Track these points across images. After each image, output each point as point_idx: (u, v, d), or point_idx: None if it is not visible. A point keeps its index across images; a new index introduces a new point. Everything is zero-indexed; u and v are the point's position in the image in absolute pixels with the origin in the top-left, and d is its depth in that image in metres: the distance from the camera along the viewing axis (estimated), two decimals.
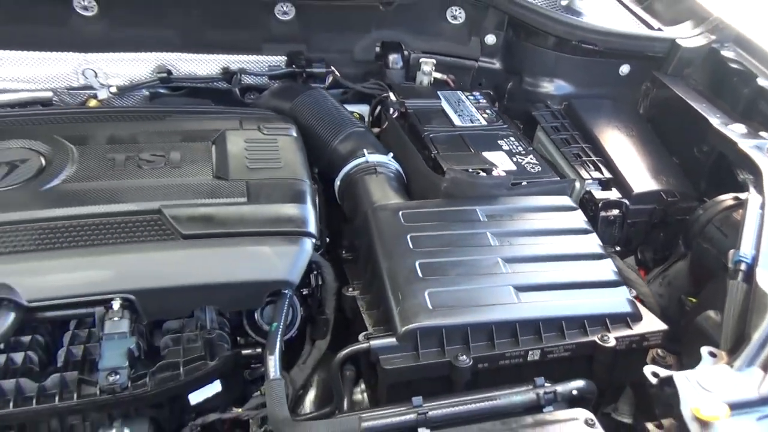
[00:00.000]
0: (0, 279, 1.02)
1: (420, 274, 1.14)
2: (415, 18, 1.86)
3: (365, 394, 1.18)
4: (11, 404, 0.99)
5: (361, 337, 1.11)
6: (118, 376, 1.02)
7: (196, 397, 1.11)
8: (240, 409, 1.18)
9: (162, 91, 1.85)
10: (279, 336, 1.11)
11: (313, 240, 1.20)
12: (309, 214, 1.22)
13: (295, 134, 1.40)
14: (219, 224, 1.15)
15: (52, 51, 1.70)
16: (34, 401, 1.00)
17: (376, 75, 1.93)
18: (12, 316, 1.00)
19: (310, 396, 1.26)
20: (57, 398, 1.00)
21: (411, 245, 1.20)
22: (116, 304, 1.06)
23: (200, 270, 1.11)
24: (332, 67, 1.84)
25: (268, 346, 1.10)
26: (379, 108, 1.85)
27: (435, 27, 1.89)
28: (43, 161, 1.22)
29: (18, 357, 1.05)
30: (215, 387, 1.13)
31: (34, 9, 1.59)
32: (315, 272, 1.27)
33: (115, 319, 1.05)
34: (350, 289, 1.27)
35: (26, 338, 1.08)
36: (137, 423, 1.07)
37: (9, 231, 1.07)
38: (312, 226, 1.21)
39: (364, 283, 1.25)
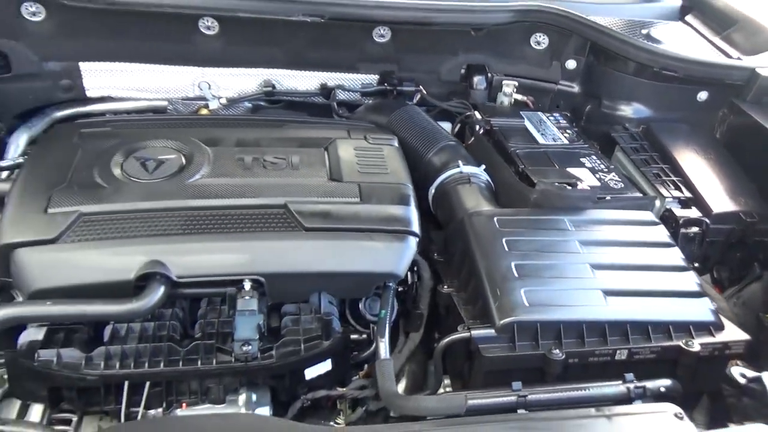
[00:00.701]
0: (153, 256, 1.19)
1: (516, 274, 1.25)
2: (501, 43, 1.99)
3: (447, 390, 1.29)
4: (161, 364, 1.14)
5: (460, 327, 1.23)
6: (250, 347, 1.16)
7: (310, 373, 1.24)
8: (344, 389, 1.31)
9: (262, 103, 2.04)
10: (387, 322, 1.24)
11: (417, 239, 1.33)
12: (413, 215, 1.35)
13: (396, 144, 1.54)
14: (336, 220, 1.30)
15: (173, 65, 1.91)
16: (180, 363, 1.15)
17: (459, 95, 2.07)
18: (163, 288, 1.16)
19: (401, 385, 1.38)
20: (199, 362, 1.15)
21: (506, 248, 1.31)
22: (247, 285, 1.21)
23: (320, 259, 1.25)
24: (420, 86, 2.00)
25: (378, 330, 1.23)
26: (460, 125, 1.99)
27: (518, 51, 2.01)
28: (184, 159, 1.39)
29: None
30: (327, 365, 1.26)
31: (166, 27, 1.80)
32: (413, 269, 1.39)
33: (247, 297, 1.20)
34: (445, 287, 1.38)
35: (167, 311, 1.24)
36: (260, 390, 1.21)
37: (160, 216, 1.24)
38: (416, 226, 1.34)
39: (459, 281, 1.37)
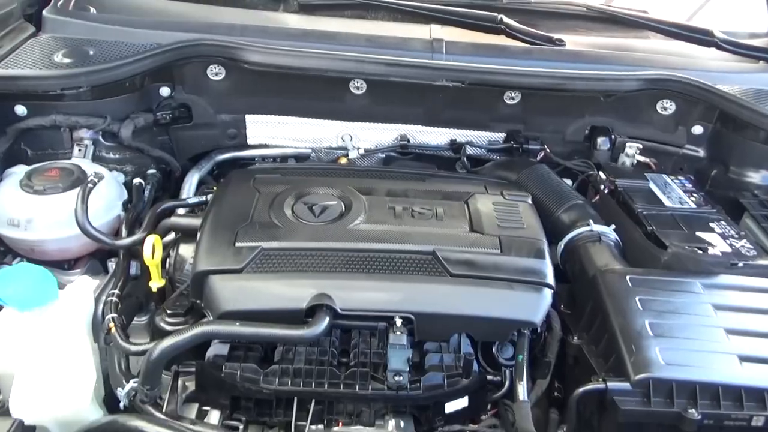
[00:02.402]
0: (321, 290, 1.37)
1: (650, 332, 1.32)
2: (627, 107, 2.08)
3: None
4: (325, 385, 1.31)
5: (594, 378, 1.30)
6: (401, 378, 1.31)
7: (450, 407, 1.36)
8: (476, 426, 1.41)
9: (394, 154, 2.24)
10: (525, 366, 1.35)
11: (552, 291, 1.43)
12: (549, 269, 1.46)
13: (530, 201, 1.67)
14: (479, 269, 1.43)
15: (323, 119, 2.16)
16: (341, 386, 1.31)
17: (581, 154, 2.17)
18: (328, 318, 1.34)
19: None
20: (357, 387, 1.31)
21: (640, 306, 1.38)
22: (398, 321, 1.36)
23: (464, 303, 1.39)
24: (545, 145, 2.12)
25: (517, 373, 1.34)
26: (578, 182, 2.09)
27: (644, 116, 2.09)
28: (344, 206, 1.59)
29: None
30: (464, 401, 1.37)
31: (322, 87, 2.05)
32: (544, 319, 1.49)
33: (398, 333, 1.35)
34: (575, 338, 1.47)
35: (326, 339, 1.41)
36: (405, 418, 1.35)
37: (327, 255, 1.43)
38: (551, 279, 1.44)
39: (590, 335, 1.45)
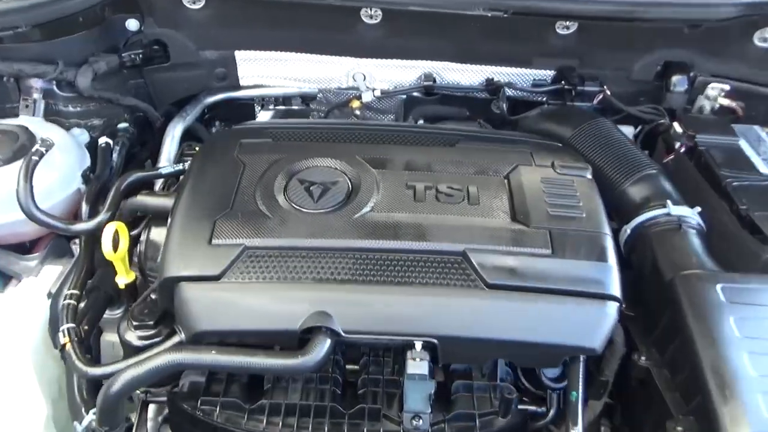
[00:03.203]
0: (320, 306, 1.07)
1: (751, 370, 1.00)
2: (714, 38, 1.63)
3: None
4: (325, 427, 1.05)
5: (670, 425, 1.01)
6: (420, 422, 1.03)
7: None
8: None
9: (416, 95, 1.85)
10: (580, 406, 1.06)
11: (618, 304, 1.11)
12: (615, 275, 1.12)
13: (590, 176, 1.30)
14: (523, 277, 1.10)
15: (328, 54, 1.77)
16: (345, 428, 1.05)
17: (648, 96, 1.75)
18: (329, 343, 1.05)
19: None
20: (365, 430, 1.05)
21: (736, 330, 1.06)
22: (419, 345, 1.07)
23: (503, 325, 1.08)
24: (605, 86, 1.70)
25: (570, 416, 1.06)
26: (643, 133, 1.69)
27: (735, 49, 1.64)
28: (350, 184, 1.25)
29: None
30: None
31: (327, 16, 1.64)
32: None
33: (417, 360, 1.06)
34: (643, 358, 1.16)
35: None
36: None
37: (327, 257, 1.12)
38: (618, 289, 1.11)
39: (664, 358, 1.14)
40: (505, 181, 1.28)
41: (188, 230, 1.16)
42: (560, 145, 1.43)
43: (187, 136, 1.80)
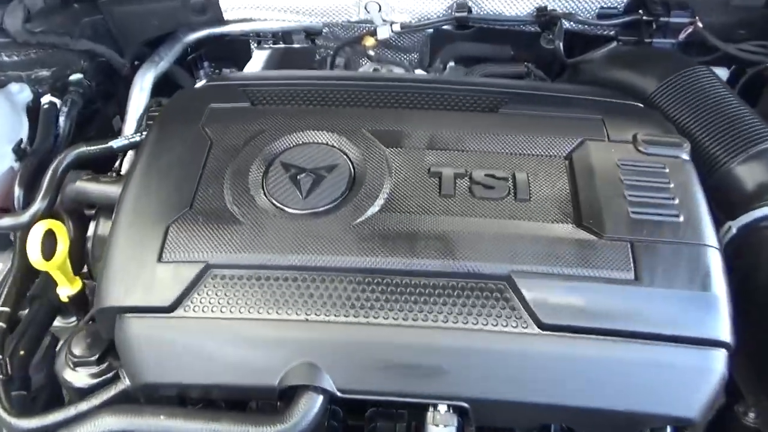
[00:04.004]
0: (308, 355, 0.78)
1: None
2: None
3: None
4: None
5: None
6: None
7: None
8: None
9: (446, 28, 1.46)
10: None
11: (728, 353, 0.78)
12: (723, 309, 0.79)
13: (687, 156, 0.92)
14: (593, 315, 0.78)
15: None
16: None
17: (751, 29, 1.33)
18: (319, 404, 0.76)
19: None
20: None
21: None
22: (443, 408, 0.78)
23: (562, 384, 0.77)
24: (696, 16, 1.28)
25: None
26: (744, 80, 1.29)
27: None
28: (352, 170, 0.91)
29: None
30: None
31: None
32: None
33: (441, 426, 0.77)
34: (751, 415, 0.85)
35: None
36: None
37: (318, 282, 0.81)
38: (727, 331, 0.78)
39: None
40: (567, 164, 0.93)
41: (131, 240, 0.86)
42: (641, 105, 1.05)
43: (165, 85, 1.47)
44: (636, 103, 1.05)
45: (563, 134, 0.95)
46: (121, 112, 1.42)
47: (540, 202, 0.87)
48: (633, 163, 0.90)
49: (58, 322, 1.11)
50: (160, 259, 0.83)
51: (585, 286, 0.79)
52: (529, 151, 0.93)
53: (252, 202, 0.88)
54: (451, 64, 1.48)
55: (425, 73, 1.46)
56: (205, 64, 1.71)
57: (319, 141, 0.95)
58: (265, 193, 0.89)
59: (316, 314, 0.79)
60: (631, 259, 0.81)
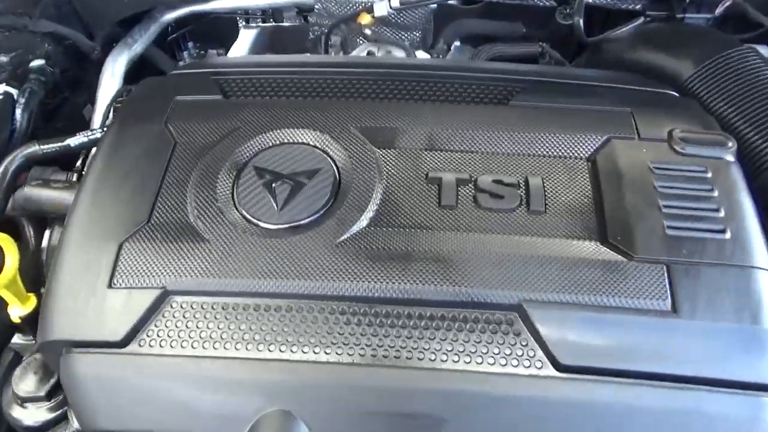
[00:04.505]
0: (281, 401, 0.66)
1: None
2: None
3: None
4: None
5: None
6: None
7: None
8: None
9: (451, 2, 1.32)
10: None
11: None
12: None
13: (732, 158, 0.78)
14: (621, 355, 0.65)
15: None
16: None
17: None
18: None
19: None
20: None
21: None
22: None
23: None
24: None
25: None
26: None
27: None
28: (337, 175, 0.78)
29: None
30: None
31: None
32: None
33: None
34: None
35: None
36: None
37: (293, 312, 0.68)
38: None
39: None
40: (589, 166, 0.79)
41: (79, 261, 0.73)
42: (675, 94, 0.91)
43: (144, 70, 1.33)
44: (670, 92, 0.90)
45: (585, 131, 0.81)
46: (93, 101, 1.29)
47: (557, 214, 0.74)
48: (669, 166, 0.76)
49: (20, 339, 1.01)
50: (110, 284, 0.71)
51: (612, 318, 0.66)
52: (544, 152, 0.79)
53: (219, 215, 0.75)
54: (457, 43, 1.34)
55: (427, 55, 1.32)
56: (190, 45, 1.58)
57: (300, 141, 0.82)
58: (235, 205, 0.76)
59: (292, 351, 0.67)
60: (668, 286, 0.67)
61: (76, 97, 1.30)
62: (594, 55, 1.14)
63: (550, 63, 1.20)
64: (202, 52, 1.59)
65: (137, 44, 1.31)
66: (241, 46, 1.47)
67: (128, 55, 1.28)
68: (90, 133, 0.97)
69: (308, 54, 1.37)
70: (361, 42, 1.42)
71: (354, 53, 1.37)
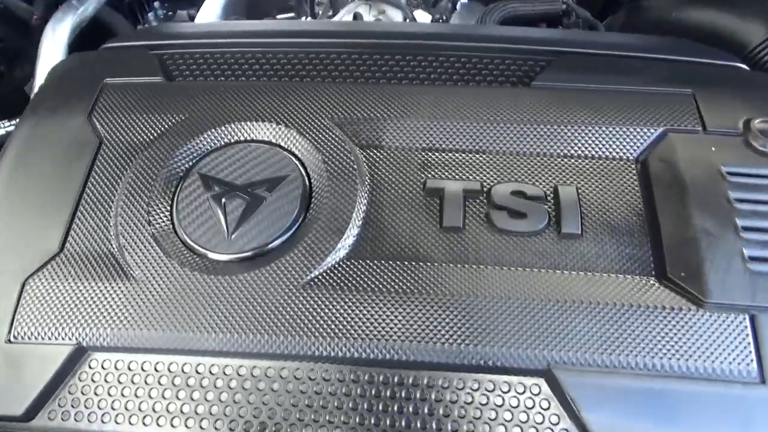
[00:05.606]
0: None
1: None
2: None
3: None
4: None
5: None
6: None
7: None
8: None
9: None
10: None
11: None
12: None
13: None
14: None
15: None
16: None
17: None
18: None
19: None
20: None
21: None
22: None
23: None
24: None
25: None
26: None
27: None
28: (307, 186, 0.60)
29: None
30: None
31: None
32: None
33: None
34: None
35: None
36: None
37: (248, 374, 0.52)
38: None
39: None
40: (639, 171, 0.60)
41: None
42: (746, 67, 0.71)
43: (100, 36, 1.13)
44: (739, 65, 0.70)
45: (632, 122, 0.61)
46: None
47: (597, 239, 0.56)
48: (747, 170, 0.57)
49: None
50: (9, 338, 0.54)
51: (674, 390, 0.49)
52: (579, 152, 0.60)
53: (152, 243, 0.57)
54: (463, 0, 1.13)
55: (427, 15, 1.11)
56: (156, 4, 1.37)
57: (259, 139, 0.63)
58: (173, 228, 0.59)
59: (246, 429, 0.51)
60: (752, 343, 0.50)
61: (14, 71, 1.11)
62: (632, 14, 0.94)
63: (578, 25, 0.99)
64: (170, 13, 1.38)
65: (85, 5, 1.10)
66: (210, 10, 1.26)
67: (74, 18, 1.07)
68: (7, 125, 0.79)
69: (281, 18, 1.16)
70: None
71: (343, 11, 1.16)
